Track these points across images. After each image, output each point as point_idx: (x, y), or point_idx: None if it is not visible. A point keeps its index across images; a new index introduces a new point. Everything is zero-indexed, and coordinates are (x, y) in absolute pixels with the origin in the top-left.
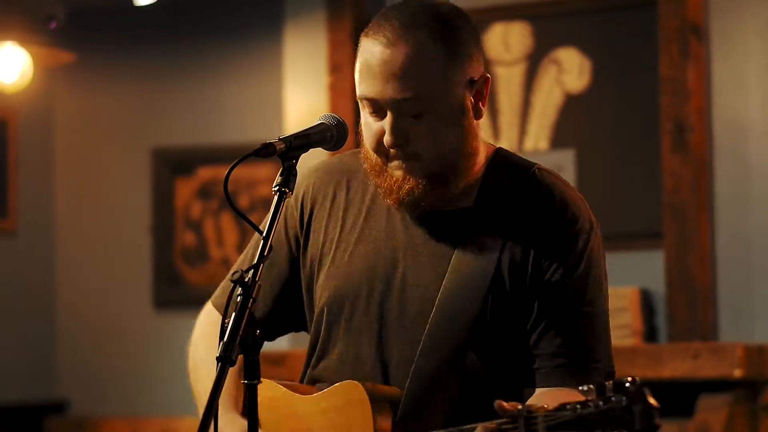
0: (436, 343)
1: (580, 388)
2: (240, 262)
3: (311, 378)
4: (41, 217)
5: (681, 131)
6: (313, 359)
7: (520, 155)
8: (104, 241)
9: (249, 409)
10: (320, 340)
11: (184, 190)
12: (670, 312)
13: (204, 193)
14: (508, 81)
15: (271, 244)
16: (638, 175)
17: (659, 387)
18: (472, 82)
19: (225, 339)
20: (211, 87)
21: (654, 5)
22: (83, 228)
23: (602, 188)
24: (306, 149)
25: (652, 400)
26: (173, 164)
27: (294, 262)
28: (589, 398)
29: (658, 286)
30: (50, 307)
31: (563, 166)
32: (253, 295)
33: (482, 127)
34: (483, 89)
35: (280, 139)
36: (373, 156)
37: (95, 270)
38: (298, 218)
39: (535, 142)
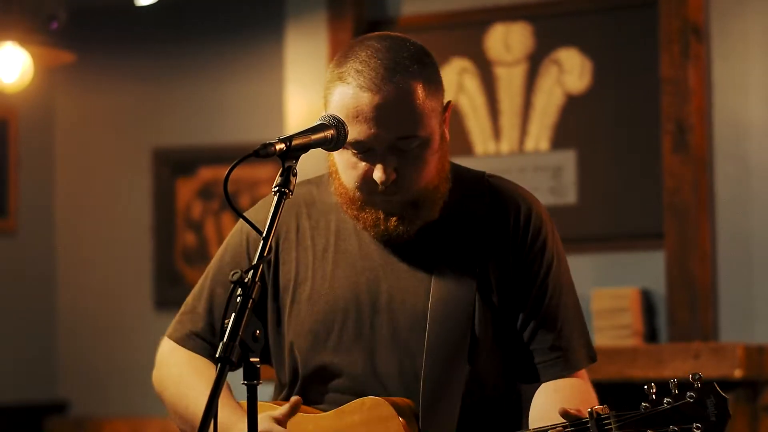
0: (440, 353)
1: (645, 387)
2: (195, 295)
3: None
4: (42, 217)
5: (682, 131)
6: (301, 381)
7: (520, 156)
8: (105, 242)
9: (249, 409)
10: (305, 363)
11: (185, 190)
12: (671, 312)
13: (205, 193)
14: (508, 81)
15: (270, 246)
16: (639, 176)
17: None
18: (444, 110)
19: (224, 339)
20: (212, 87)
21: (655, 6)
22: (84, 228)
23: (603, 189)
24: (306, 149)
25: (722, 393)
26: (174, 164)
27: (259, 293)
28: (655, 396)
29: (659, 287)
30: (51, 307)
31: (564, 166)
32: (253, 296)
33: (484, 127)
34: (447, 114)
35: (279, 140)
36: (356, 192)
37: (96, 270)
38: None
39: (536, 142)
